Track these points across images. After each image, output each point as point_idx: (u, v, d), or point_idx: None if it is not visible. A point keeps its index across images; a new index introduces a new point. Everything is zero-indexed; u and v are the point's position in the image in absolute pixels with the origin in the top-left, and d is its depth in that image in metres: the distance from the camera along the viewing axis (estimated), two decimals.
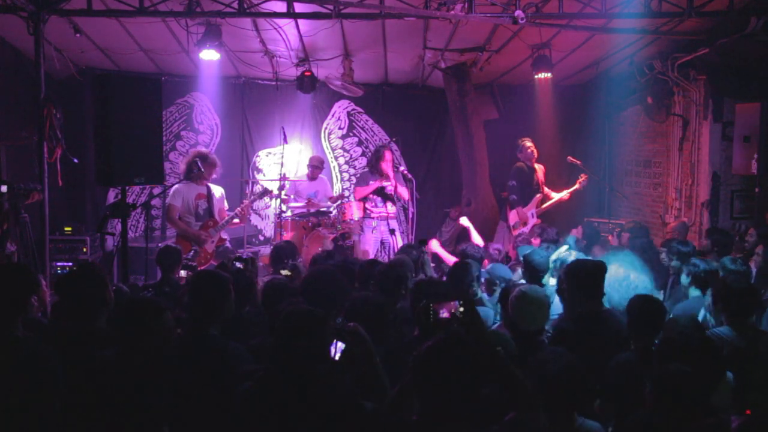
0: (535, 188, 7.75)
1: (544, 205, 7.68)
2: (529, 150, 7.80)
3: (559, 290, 3.97)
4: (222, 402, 2.78)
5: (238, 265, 4.43)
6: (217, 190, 6.73)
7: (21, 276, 3.11)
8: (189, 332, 3.28)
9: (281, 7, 6.30)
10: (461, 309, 2.64)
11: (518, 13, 5.78)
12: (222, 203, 6.76)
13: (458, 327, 2.62)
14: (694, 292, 4.43)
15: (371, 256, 7.22)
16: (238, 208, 6.76)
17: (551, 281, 4.77)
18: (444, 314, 2.64)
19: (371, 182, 7.47)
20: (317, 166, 8.60)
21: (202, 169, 6.46)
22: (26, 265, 4.80)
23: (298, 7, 6.24)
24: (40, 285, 3.30)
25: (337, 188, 9.70)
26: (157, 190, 8.39)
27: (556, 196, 7.71)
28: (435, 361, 2.28)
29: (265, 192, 7.07)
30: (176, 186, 6.59)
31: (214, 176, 6.73)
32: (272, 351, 2.71)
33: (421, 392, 2.31)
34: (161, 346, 2.90)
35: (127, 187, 5.93)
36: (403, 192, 7.43)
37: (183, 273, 5.24)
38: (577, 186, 7.67)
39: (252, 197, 7.03)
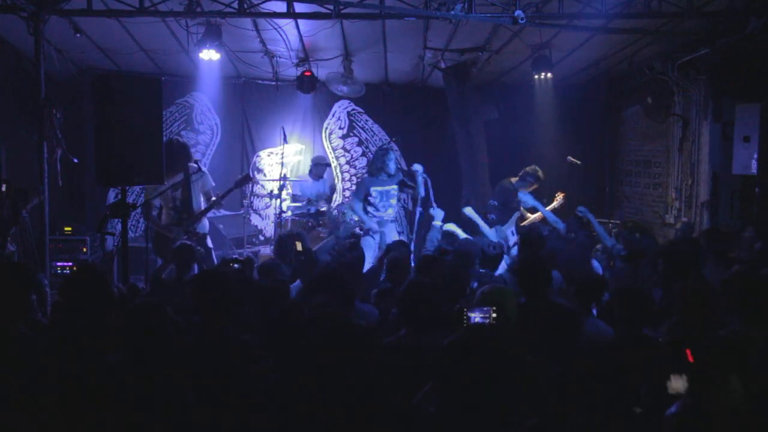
0: (515, 207, 7.42)
1: (522, 224, 7.36)
2: (533, 182, 7.37)
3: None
4: (242, 397, 2.76)
5: (236, 266, 4.42)
6: (197, 175, 6.37)
7: (20, 275, 3.12)
8: (205, 331, 3.27)
9: (281, 7, 6.29)
10: (494, 315, 2.67)
11: (518, 13, 5.78)
12: (206, 185, 6.42)
13: (487, 328, 2.63)
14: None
15: (368, 261, 6.95)
16: (213, 198, 6.41)
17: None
18: (477, 319, 2.67)
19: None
20: (320, 165, 8.51)
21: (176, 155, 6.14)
22: (26, 265, 4.80)
23: (298, 7, 6.23)
24: (40, 284, 3.30)
25: (338, 188, 9.70)
26: None
27: (532, 216, 7.38)
28: (455, 354, 2.27)
29: (246, 179, 6.68)
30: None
31: (190, 164, 6.34)
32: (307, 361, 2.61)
33: (440, 385, 2.30)
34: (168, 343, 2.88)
35: (127, 187, 5.91)
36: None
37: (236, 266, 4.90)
38: (554, 204, 7.32)
39: (233, 186, 6.55)
